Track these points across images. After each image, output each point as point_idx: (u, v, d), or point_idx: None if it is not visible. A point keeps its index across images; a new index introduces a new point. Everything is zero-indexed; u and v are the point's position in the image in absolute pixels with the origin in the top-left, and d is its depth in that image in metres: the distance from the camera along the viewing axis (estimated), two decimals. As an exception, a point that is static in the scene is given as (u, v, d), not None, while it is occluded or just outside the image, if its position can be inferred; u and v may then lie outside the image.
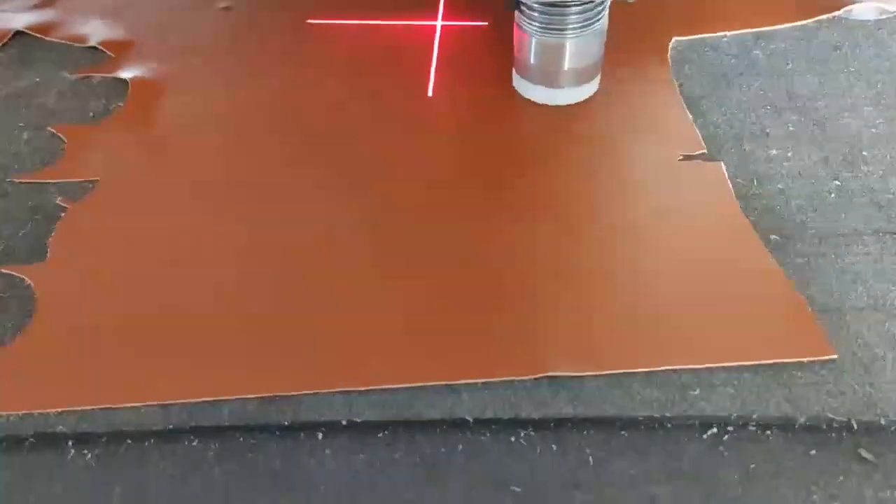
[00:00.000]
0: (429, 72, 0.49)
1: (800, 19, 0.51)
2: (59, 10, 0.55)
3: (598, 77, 0.46)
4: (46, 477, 0.31)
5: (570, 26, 0.43)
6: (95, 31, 0.53)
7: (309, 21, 0.53)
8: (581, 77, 0.45)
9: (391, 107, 0.46)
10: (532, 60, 0.44)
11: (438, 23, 0.52)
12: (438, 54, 0.50)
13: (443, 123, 0.45)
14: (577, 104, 0.46)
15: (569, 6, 0.42)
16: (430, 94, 0.47)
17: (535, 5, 0.42)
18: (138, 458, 0.31)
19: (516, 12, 0.44)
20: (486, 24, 0.52)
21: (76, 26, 0.53)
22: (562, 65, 0.44)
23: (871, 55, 0.49)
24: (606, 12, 0.44)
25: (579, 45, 0.43)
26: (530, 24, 0.43)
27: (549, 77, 0.45)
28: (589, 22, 0.43)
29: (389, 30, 0.52)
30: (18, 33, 0.53)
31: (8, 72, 0.50)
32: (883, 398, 0.32)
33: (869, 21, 0.51)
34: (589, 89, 0.46)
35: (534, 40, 0.44)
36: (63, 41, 0.52)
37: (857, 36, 0.50)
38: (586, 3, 0.42)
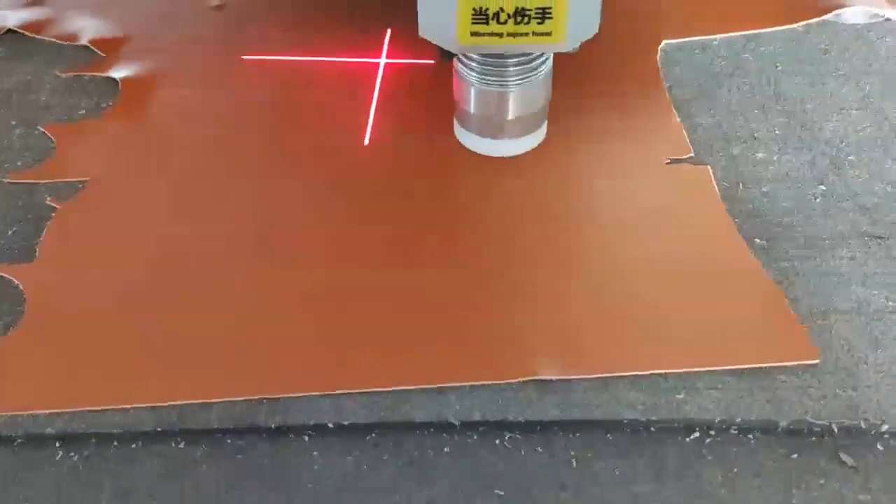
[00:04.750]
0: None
1: (789, 22, 0.52)
2: (50, 8, 0.55)
3: (545, 126, 0.43)
4: (35, 478, 0.31)
5: (512, 75, 0.39)
6: (86, 29, 0.53)
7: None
8: (525, 127, 0.42)
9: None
10: (473, 110, 0.41)
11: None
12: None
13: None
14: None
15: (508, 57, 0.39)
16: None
17: (474, 55, 0.39)
18: (126, 460, 0.31)
19: (455, 59, 0.40)
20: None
21: (67, 25, 0.53)
22: (504, 115, 0.41)
23: (860, 59, 0.49)
24: (551, 58, 0.40)
25: (523, 93, 0.40)
26: (469, 73, 0.40)
27: (491, 127, 0.42)
28: (533, 70, 0.40)
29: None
30: (9, 31, 0.53)
31: (-2, 70, 0.50)
32: (864, 402, 0.32)
33: (858, 24, 0.52)
34: (534, 139, 0.43)
35: (473, 89, 0.40)
36: (54, 39, 0.52)
37: (846, 39, 0.51)
38: (525, 55, 0.39)
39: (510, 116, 0.41)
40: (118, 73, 0.49)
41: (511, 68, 0.39)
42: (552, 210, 0.40)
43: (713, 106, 0.46)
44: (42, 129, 0.45)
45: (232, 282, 0.37)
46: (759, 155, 0.43)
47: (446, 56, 0.38)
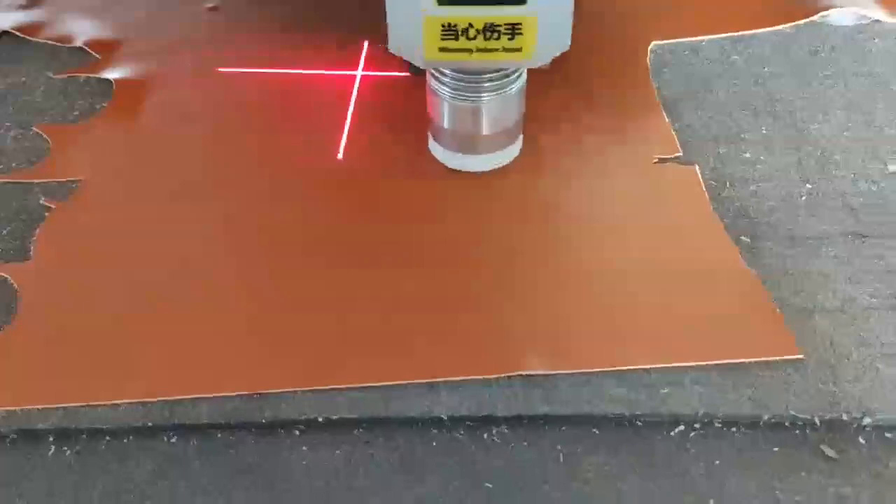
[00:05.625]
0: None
1: (778, 24, 0.52)
2: (46, 10, 0.55)
3: (520, 140, 0.43)
4: (28, 474, 0.31)
5: (486, 91, 0.39)
6: (82, 31, 0.53)
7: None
8: (500, 142, 0.42)
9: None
10: (446, 125, 0.41)
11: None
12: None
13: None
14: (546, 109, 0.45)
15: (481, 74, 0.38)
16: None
17: (446, 70, 0.38)
18: (118, 455, 0.32)
19: (427, 74, 0.40)
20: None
21: (62, 26, 0.54)
22: (478, 130, 0.40)
23: (849, 60, 0.50)
24: (525, 73, 0.40)
25: (496, 108, 0.40)
26: (442, 88, 0.39)
27: (465, 142, 0.41)
28: (507, 85, 0.39)
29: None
30: (4, 33, 0.53)
31: (-7, 71, 0.51)
32: (846, 397, 0.33)
33: (847, 26, 0.52)
34: (509, 154, 0.42)
35: (446, 104, 0.40)
36: (49, 41, 0.52)
37: (835, 41, 0.51)
38: (498, 70, 0.38)
39: (484, 132, 0.40)
40: (112, 74, 0.50)
41: (484, 84, 0.38)
42: (539, 208, 0.41)
43: (701, 106, 0.47)
44: (36, 130, 0.46)
45: (222, 280, 0.38)
46: (747, 155, 0.44)
47: (417, 70, 0.38)
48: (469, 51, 0.36)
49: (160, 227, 0.40)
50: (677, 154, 0.43)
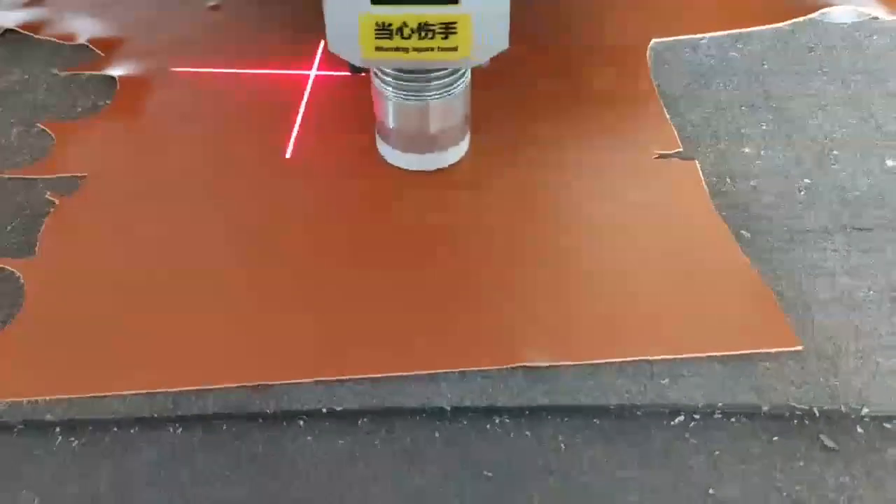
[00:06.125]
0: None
1: (776, 21, 0.52)
2: (49, 8, 0.55)
3: (467, 138, 0.42)
4: (35, 463, 0.32)
5: (430, 89, 0.38)
6: (84, 28, 0.53)
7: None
8: (445, 141, 0.41)
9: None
10: (392, 124, 0.40)
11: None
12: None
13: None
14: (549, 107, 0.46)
15: (429, 72, 0.38)
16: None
17: (388, 69, 0.38)
18: (124, 445, 0.32)
19: (371, 73, 0.39)
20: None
21: (65, 24, 0.54)
22: (425, 129, 0.40)
23: (846, 57, 0.50)
24: (469, 71, 0.40)
25: (442, 107, 0.39)
26: (385, 87, 0.39)
27: (412, 142, 0.41)
28: (451, 83, 0.39)
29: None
30: (8, 31, 0.53)
31: (-3, 68, 0.51)
32: (845, 388, 0.33)
33: (844, 23, 0.53)
34: (455, 153, 0.42)
35: (391, 104, 0.39)
36: (52, 39, 0.53)
37: (833, 38, 0.51)
38: (441, 71, 0.38)
39: (431, 130, 0.40)
40: (115, 71, 0.50)
41: (429, 82, 0.38)
42: (540, 203, 0.41)
43: (701, 103, 0.47)
44: (41, 127, 0.46)
45: (227, 273, 0.38)
46: (746, 150, 0.44)
47: (357, 69, 0.38)
48: (405, 50, 0.36)
49: (163, 221, 0.40)
50: (678, 150, 0.44)
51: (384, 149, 0.42)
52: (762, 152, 0.44)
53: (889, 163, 0.43)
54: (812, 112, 0.46)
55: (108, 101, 0.48)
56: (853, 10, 0.53)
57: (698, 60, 0.50)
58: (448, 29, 0.35)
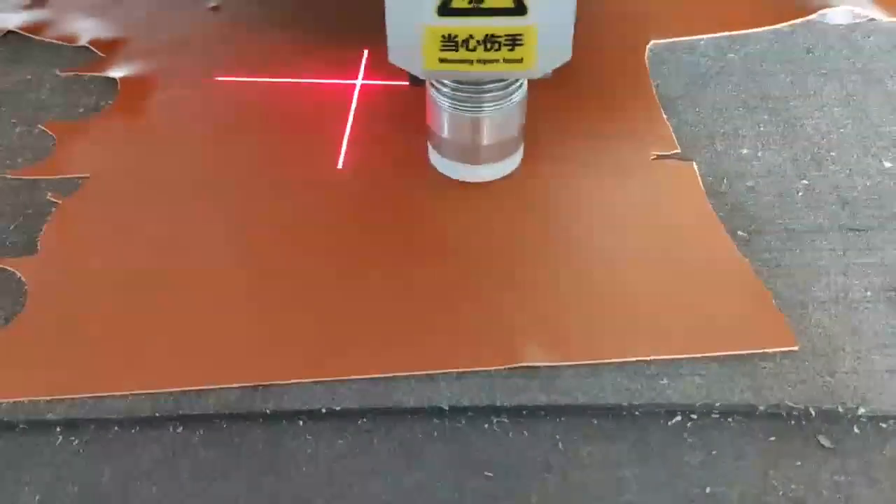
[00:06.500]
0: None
1: (774, 23, 0.53)
2: (50, 9, 0.56)
3: (521, 149, 0.42)
4: (37, 463, 0.32)
5: (486, 101, 0.38)
6: (86, 30, 0.54)
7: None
8: (501, 152, 0.41)
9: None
10: (446, 136, 0.40)
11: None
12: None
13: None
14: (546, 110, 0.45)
15: (484, 84, 0.37)
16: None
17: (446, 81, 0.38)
18: (126, 444, 0.32)
19: (428, 84, 0.39)
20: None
21: (67, 26, 0.54)
22: (479, 140, 0.40)
23: (843, 58, 0.50)
24: (525, 83, 0.39)
25: (497, 119, 0.39)
26: (442, 99, 0.39)
27: (466, 153, 0.41)
28: (507, 95, 0.39)
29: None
30: (10, 32, 0.54)
31: (-1, 69, 0.51)
32: (842, 387, 0.33)
33: (841, 25, 0.53)
34: (510, 164, 0.42)
35: (446, 115, 0.39)
36: (54, 40, 0.53)
37: (830, 39, 0.52)
38: (500, 81, 0.38)
39: (485, 142, 0.40)
40: (117, 72, 0.50)
41: (485, 94, 0.38)
42: (540, 204, 0.41)
43: (699, 104, 0.47)
44: (42, 128, 0.46)
45: (226, 274, 0.38)
46: (744, 151, 0.44)
47: (417, 81, 0.38)
48: (469, 62, 0.35)
49: (165, 221, 0.41)
50: (675, 151, 0.44)
51: (436, 159, 0.42)
52: (760, 153, 0.44)
53: (886, 163, 0.43)
54: (809, 113, 0.46)
55: (109, 102, 0.48)
56: (850, 11, 0.53)
57: (696, 62, 0.50)
58: (514, 41, 0.34)
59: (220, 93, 0.49)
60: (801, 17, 0.53)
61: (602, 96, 0.48)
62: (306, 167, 0.43)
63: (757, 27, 0.53)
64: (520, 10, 0.34)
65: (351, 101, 0.47)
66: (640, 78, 0.49)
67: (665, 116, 0.46)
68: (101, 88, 0.49)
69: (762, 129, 0.45)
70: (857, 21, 0.53)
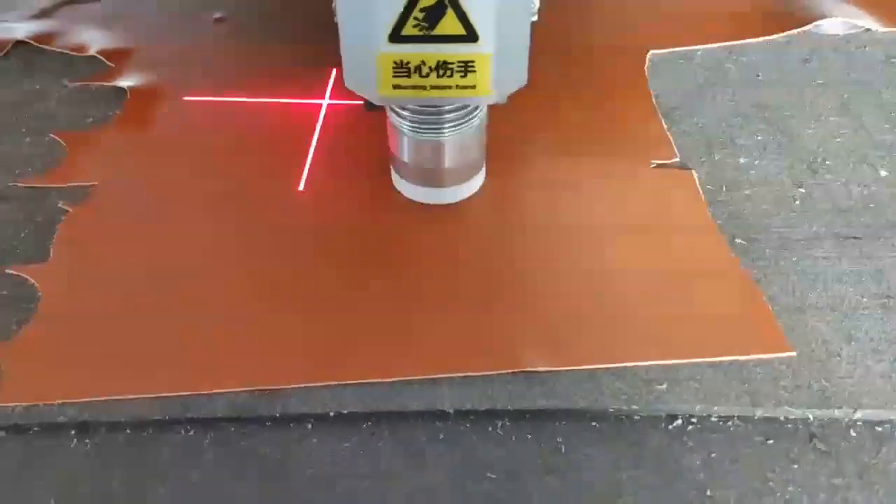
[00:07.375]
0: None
1: (771, 34, 0.54)
2: (59, 20, 0.57)
3: (483, 172, 0.43)
4: (50, 464, 0.33)
5: (446, 124, 0.38)
6: (94, 40, 0.55)
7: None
8: (461, 175, 0.41)
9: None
10: (408, 160, 0.40)
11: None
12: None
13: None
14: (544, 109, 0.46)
15: (442, 107, 0.38)
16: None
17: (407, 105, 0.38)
18: (137, 447, 0.33)
19: (387, 109, 0.39)
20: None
21: (76, 36, 0.55)
22: (440, 163, 0.40)
23: (839, 68, 0.51)
24: (485, 106, 0.39)
25: (458, 142, 0.39)
26: (401, 122, 0.39)
27: (427, 176, 0.41)
28: (467, 118, 0.39)
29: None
30: (19, 42, 0.55)
31: (9, 80, 0.52)
32: (837, 393, 0.34)
33: (837, 35, 0.54)
34: (474, 185, 0.42)
35: (405, 139, 0.39)
36: (63, 51, 0.54)
37: (826, 49, 0.53)
38: (460, 108, 0.38)
39: (447, 165, 0.40)
40: (125, 82, 0.51)
41: (445, 116, 0.38)
42: (541, 212, 0.42)
43: (697, 113, 0.48)
44: (52, 137, 0.47)
45: (234, 280, 0.39)
46: (741, 160, 0.45)
47: (372, 106, 0.38)
48: (423, 87, 0.35)
49: (173, 228, 0.42)
50: (675, 159, 0.45)
51: (399, 182, 0.42)
52: (757, 162, 0.45)
53: (882, 172, 0.44)
54: (806, 122, 0.47)
55: (118, 112, 0.49)
56: (846, 22, 0.54)
57: (694, 72, 0.51)
58: (467, 67, 0.34)
59: (227, 106, 0.50)
60: (798, 27, 0.54)
61: (603, 106, 0.48)
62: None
63: (753, 38, 0.54)
64: (471, 37, 0.33)
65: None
66: (640, 88, 0.50)
67: (664, 126, 0.47)
68: (109, 98, 0.50)
69: (759, 138, 0.46)
70: (853, 31, 0.54)
